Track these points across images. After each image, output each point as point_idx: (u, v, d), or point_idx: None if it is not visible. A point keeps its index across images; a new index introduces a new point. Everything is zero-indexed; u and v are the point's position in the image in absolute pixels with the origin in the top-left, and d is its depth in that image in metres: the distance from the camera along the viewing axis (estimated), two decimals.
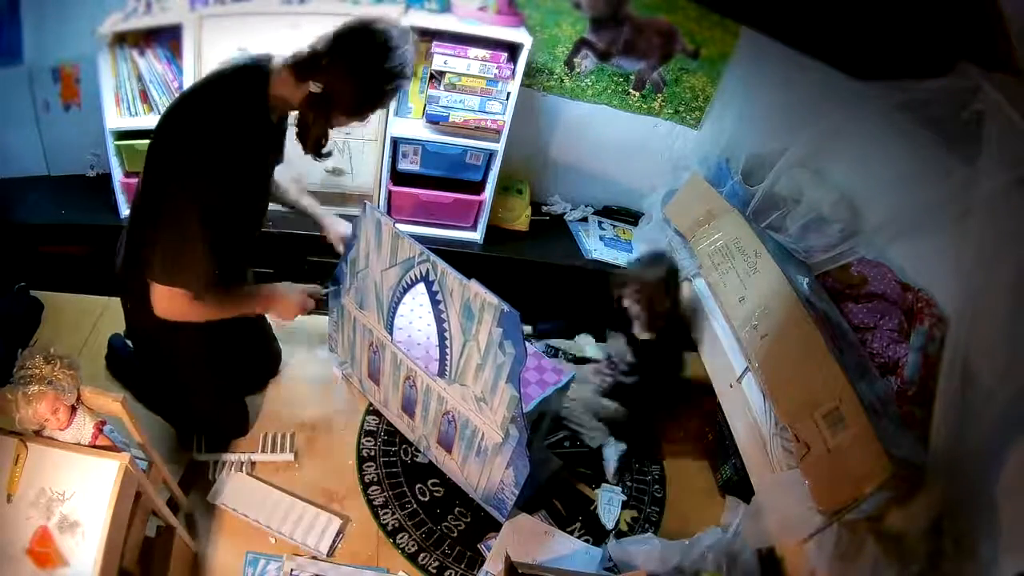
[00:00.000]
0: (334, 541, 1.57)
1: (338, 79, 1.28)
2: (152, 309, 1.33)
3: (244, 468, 1.67)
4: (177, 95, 1.38)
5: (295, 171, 1.68)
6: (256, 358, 1.89)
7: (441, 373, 1.58)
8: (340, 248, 1.69)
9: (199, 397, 1.64)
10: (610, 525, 1.76)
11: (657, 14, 2.14)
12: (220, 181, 1.27)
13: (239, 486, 1.62)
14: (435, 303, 1.49)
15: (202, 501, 1.58)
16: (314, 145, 1.38)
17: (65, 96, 2.01)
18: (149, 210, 1.30)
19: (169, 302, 1.32)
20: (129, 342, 1.74)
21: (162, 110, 1.88)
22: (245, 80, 1.31)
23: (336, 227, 1.70)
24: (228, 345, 1.62)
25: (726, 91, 2.26)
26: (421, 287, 1.51)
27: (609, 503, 1.79)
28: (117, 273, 1.46)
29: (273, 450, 1.71)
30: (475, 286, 1.36)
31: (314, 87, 1.29)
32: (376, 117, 2.00)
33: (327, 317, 1.92)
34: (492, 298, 1.34)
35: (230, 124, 1.27)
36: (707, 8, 2.11)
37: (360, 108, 1.36)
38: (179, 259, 1.28)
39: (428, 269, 1.46)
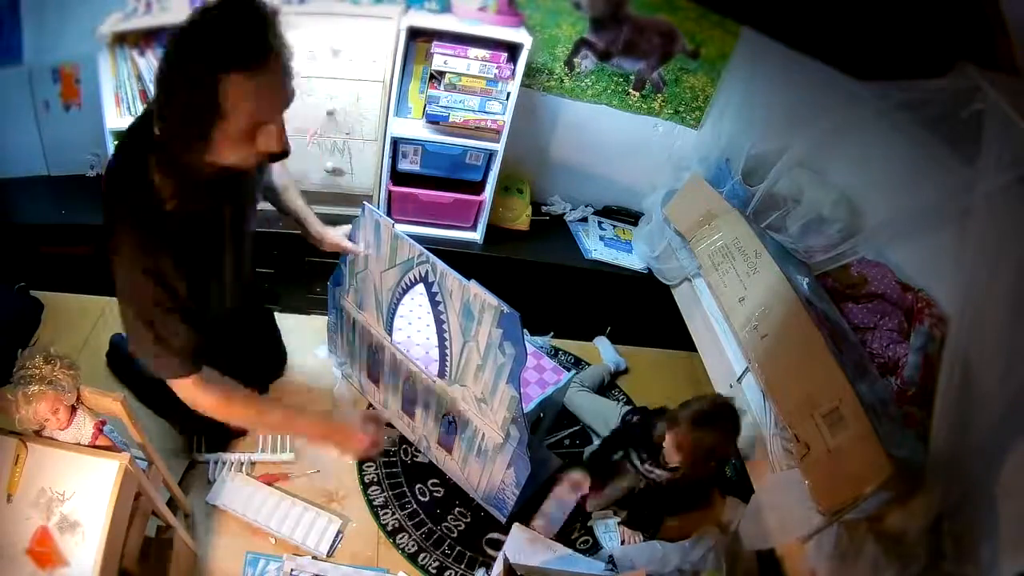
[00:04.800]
0: (334, 541, 1.57)
1: (162, 100, 0.99)
2: None
3: (244, 468, 1.67)
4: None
5: (289, 175, 1.60)
6: (263, 358, 1.87)
7: (441, 374, 1.58)
8: (347, 245, 1.60)
9: None
10: (615, 546, 1.73)
11: (657, 14, 2.14)
12: (166, 277, 1.07)
13: (239, 486, 1.62)
14: (435, 304, 1.49)
15: (202, 501, 1.58)
16: (172, 203, 1.08)
17: (65, 96, 2.01)
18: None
19: (185, 391, 1.17)
20: None
21: None
22: (128, 163, 1.07)
23: (327, 236, 1.57)
24: (234, 344, 1.55)
25: (726, 91, 2.25)
26: (420, 288, 1.51)
27: (607, 530, 1.76)
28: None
29: (273, 450, 1.72)
30: (474, 287, 1.36)
31: (156, 129, 1.01)
32: (375, 117, 2.01)
33: (327, 317, 1.92)
34: (492, 299, 1.34)
35: (144, 230, 1.05)
36: (707, 8, 2.11)
37: (187, 134, 0.99)
38: (164, 348, 1.11)
39: (427, 270, 1.46)
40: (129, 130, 1.13)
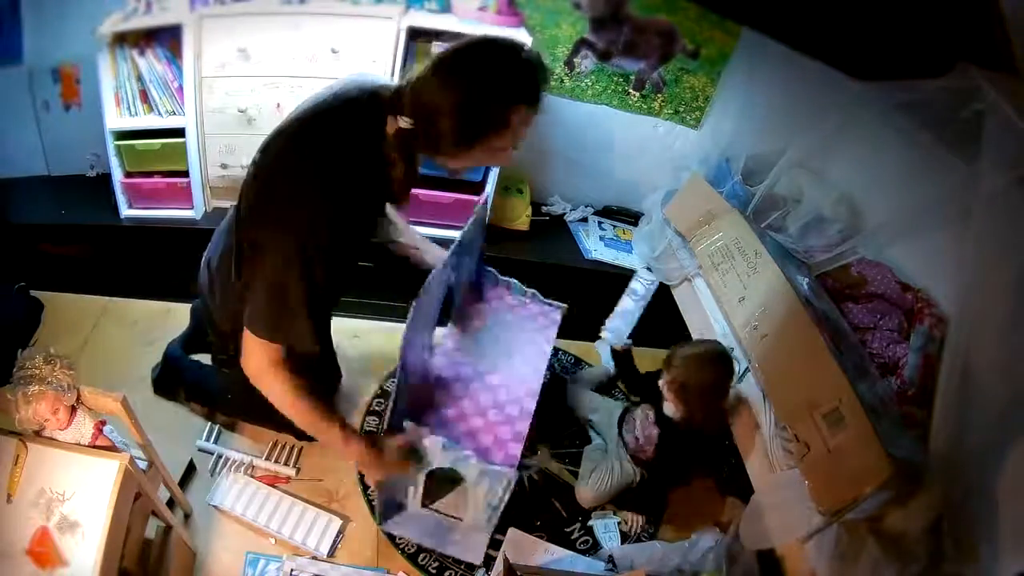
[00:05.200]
0: (334, 541, 1.57)
1: (429, 104, 1.12)
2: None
3: (245, 469, 1.67)
4: (285, 122, 1.24)
5: None
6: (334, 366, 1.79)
7: None
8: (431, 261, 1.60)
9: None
10: (615, 546, 1.73)
11: (657, 14, 2.14)
12: (333, 229, 1.15)
13: (239, 487, 1.62)
14: None
15: (202, 501, 1.58)
16: (399, 193, 1.27)
17: (65, 96, 2.01)
18: (251, 252, 1.18)
19: (259, 357, 1.21)
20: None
21: (162, 111, 1.90)
22: (360, 114, 1.19)
23: (433, 253, 1.62)
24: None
25: (726, 91, 2.26)
26: None
27: (606, 530, 1.76)
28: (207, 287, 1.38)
29: (278, 460, 1.70)
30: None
31: (403, 122, 1.15)
32: None
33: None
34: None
35: (345, 168, 1.16)
36: (707, 8, 2.11)
37: (457, 137, 1.15)
38: (282, 311, 1.16)
39: None
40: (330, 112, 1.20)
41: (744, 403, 1.65)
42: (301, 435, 1.72)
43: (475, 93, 1.12)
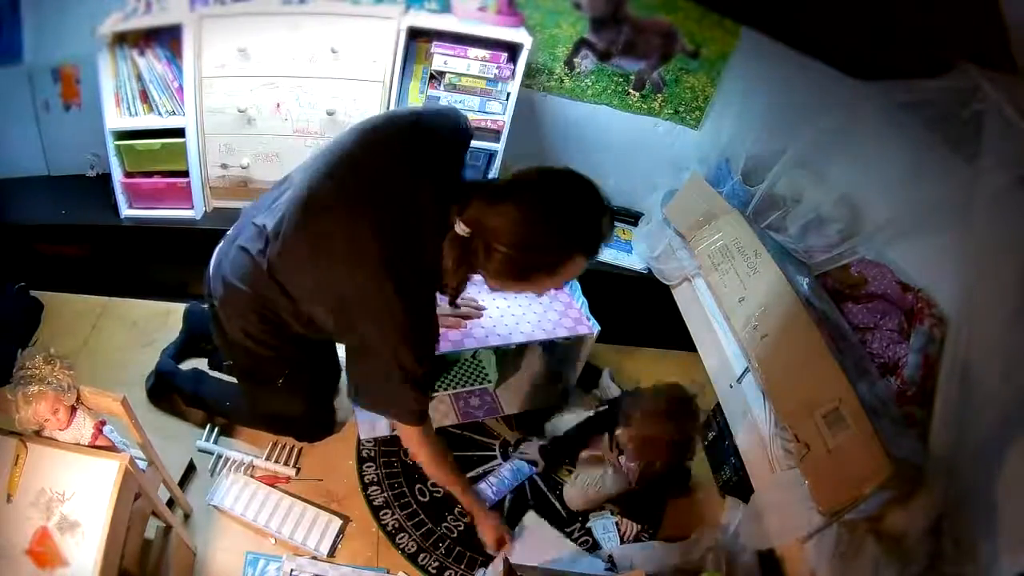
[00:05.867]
0: (334, 541, 1.57)
1: (493, 228, 1.09)
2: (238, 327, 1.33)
3: (245, 469, 1.67)
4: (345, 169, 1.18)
5: None
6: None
7: None
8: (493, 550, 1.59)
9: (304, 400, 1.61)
10: (614, 546, 1.72)
11: (657, 14, 2.14)
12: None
13: (239, 487, 1.62)
14: None
15: (202, 501, 1.58)
16: (451, 295, 1.26)
17: (65, 96, 2.01)
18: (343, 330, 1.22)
19: (410, 437, 1.35)
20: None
21: (162, 111, 1.90)
22: (430, 192, 1.15)
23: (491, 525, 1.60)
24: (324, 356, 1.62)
25: (726, 91, 2.25)
26: None
27: (605, 530, 1.75)
28: (212, 298, 1.38)
29: (278, 460, 1.70)
30: None
31: (461, 229, 1.11)
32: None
33: None
34: None
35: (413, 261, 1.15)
36: (707, 8, 2.11)
37: (508, 268, 1.12)
38: (404, 398, 1.24)
39: None
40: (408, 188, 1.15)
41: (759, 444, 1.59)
42: (301, 436, 1.72)
43: (542, 236, 1.10)
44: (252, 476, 1.66)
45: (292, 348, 1.40)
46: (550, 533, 1.71)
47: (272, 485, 1.65)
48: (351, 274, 1.12)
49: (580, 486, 1.76)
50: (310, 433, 1.73)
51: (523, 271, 1.14)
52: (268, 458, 1.70)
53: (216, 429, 1.72)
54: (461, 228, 1.11)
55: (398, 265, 1.11)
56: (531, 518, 1.73)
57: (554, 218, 1.09)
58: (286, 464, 1.70)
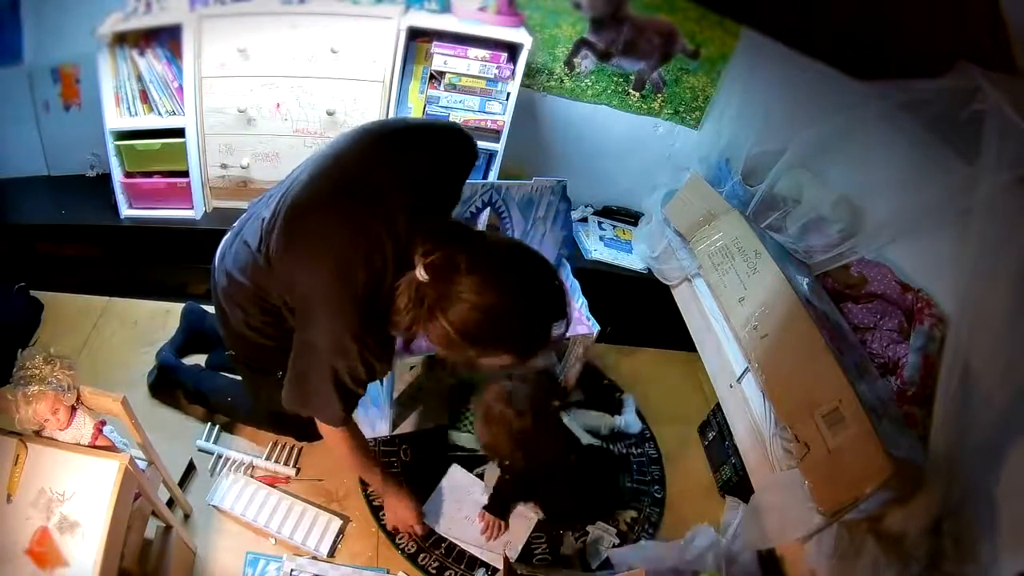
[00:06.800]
0: (334, 541, 1.57)
1: (447, 295, 1.08)
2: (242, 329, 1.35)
3: (245, 469, 1.67)
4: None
5: None
6: None
7: None
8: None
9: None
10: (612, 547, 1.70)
11: (657, 14, 2.14)
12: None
13: (239, 487, 1.62)
14: (500, 215, 1.78)
15: (202, 501, 1.58)
16: (405, 338, 1.24)
17: (65, 96, 2.01)
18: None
19: (330, 435, 1.35)
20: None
21: (162, 110, 1.90)
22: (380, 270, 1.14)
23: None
24: None
25: (726, 91, 2.25)
26: (486, 211, 1.77)
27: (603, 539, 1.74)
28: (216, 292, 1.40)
29: (278, 460, 1.70)
30: (537, 180, 1.76)
31: (420, 273, 1.09)
32: (375, 117, 2.01)
33: None
34: (549, 180, 1.78)
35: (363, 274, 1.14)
36: (707, 8, 2.11)
37: (445, 340, 1.11)
38: (327, 398, 1.23)
39: (491, 194, 1.74)
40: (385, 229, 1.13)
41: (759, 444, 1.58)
42: (301, 435, 1.72)
43: (487, 332, 1.10)
44: (252, 476, 1.66)
45: (292, 340, 1.40)
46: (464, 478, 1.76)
47: (272, 485, 1.65)
48: (316, 272, 1.14)
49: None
50: (310, 431, 1.72)
51: (451, 344, 1.12)
52: (268, 458, 1.70)
53: (216, 429, 1.72)
54: (421, 273, 1.09)
55: (361, 279, 1.12)
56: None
57: (505, 321, 1.09)
58: (286, 464, 1.70)
